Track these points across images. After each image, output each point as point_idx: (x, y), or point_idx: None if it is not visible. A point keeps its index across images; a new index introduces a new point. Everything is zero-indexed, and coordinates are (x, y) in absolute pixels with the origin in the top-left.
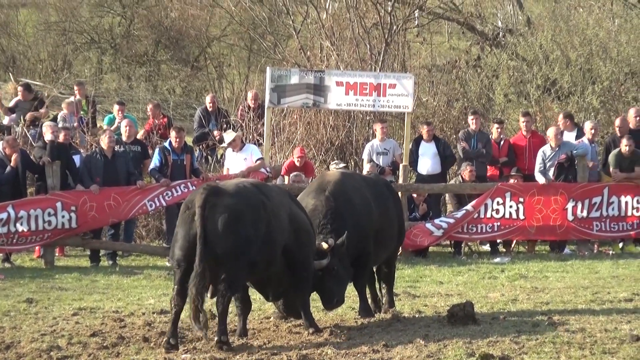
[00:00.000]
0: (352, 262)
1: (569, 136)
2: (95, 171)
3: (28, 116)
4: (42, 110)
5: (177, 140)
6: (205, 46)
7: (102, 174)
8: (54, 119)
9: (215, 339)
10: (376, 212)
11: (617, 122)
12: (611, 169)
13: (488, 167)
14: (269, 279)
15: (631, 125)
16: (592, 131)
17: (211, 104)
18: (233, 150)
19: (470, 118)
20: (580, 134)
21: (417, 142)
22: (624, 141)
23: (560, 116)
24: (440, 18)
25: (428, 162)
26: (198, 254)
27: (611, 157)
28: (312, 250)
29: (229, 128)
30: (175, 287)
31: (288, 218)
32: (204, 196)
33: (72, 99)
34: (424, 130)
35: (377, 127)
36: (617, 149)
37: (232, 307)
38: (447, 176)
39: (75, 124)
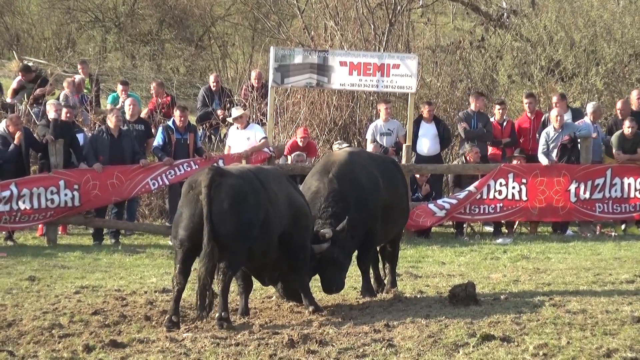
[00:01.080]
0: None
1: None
2: (102, 150)
3: (35, 93)
4: (47, 88)
5: (181, 119)
6: (209, 25)
7: (108, 152)
8: (58, 98)
9: (217, 315)
10: (385, 189)
11: (619, 104)
12: (614, 151)
13: (490, 147)
14: (265, 265)
15: (634, 107)
16: (593, 115)
17: (215, 84)
18: (238, 127)
19: (471, 98)
20: (576, 114)
21: (417, 122)
22: (627, 123)
23: (555, 97)
24: None
25: (427, 142)
26: (206, 234)
27: (614, 139)
28: (310, 233)
29: (233, 107)
30: (178, 265)
31: (286, 202)
32: (209, 176)
33: (75, 77)
34: (425, 109)
35: (382, 107)
36: (620, 131)
37: (234, 287)
38: (443, 157)
39: (76, 103)
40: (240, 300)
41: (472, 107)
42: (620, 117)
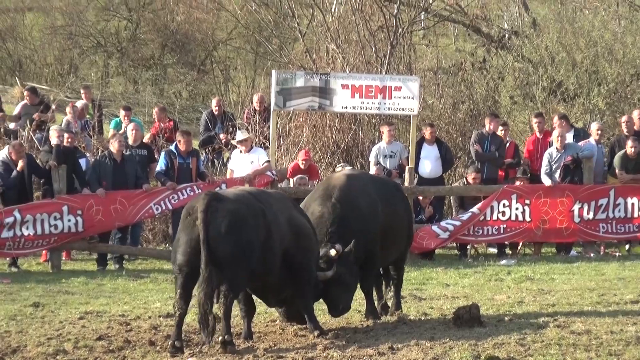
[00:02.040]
0: (360, 265)
1: (567, 137)
2: (105, 175)
3: (35, 118)
4: (49, 115)
5: (185, 143)
6: (211, 49)
7: (111, 178)
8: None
9: (220, 339)
10: (384, 213)
11: (624, 118)
12: (617, 171)
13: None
14: (269, 286)
15: (636, 127)
16: (599, 132)
17: (217, 107)
18: (241, 151)
19: (487, 120)
20: (580, 134)
21: (419, 144)
22: (629, 142)
23: (555, 118)
24: (445, 20)
25: (429, 164)
26: (203, 259)
27: (617, 159)
28: (314, 256)
29: (235, 130)
30: (178, 291)
31: (288, 223)
32: (206, 201)
33: (77, 103)
34: (427, 131)
35: (385, 129)
36: (623, 151)
37: (237, 311)
38: (445, 179)
39: (78, 129)
40: (244, 324)
41: (487, 128)
42: (625, 133)
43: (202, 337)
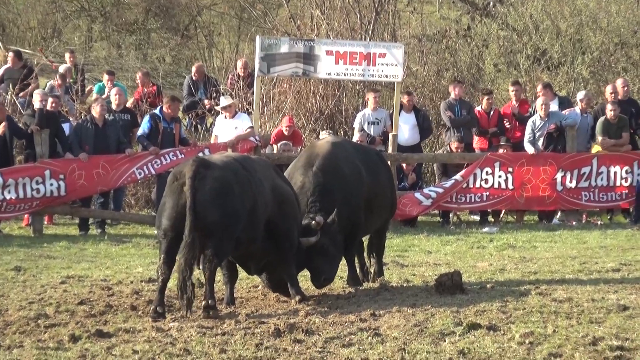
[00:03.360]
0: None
1: (551, 106)
2: (86, 139)
3: (19, 84)
4: (32, 86)
5: (172, 109)
6: (195, 15)
7: (92, 142)
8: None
9: (203, 303)
10: (368, 181)
11: (609, 88)
12: (599, 137)
13: (478, 138)
14: (251, 254)
15: (620, 96)
16: (584, 102)
17: (196, 74)
18: (225, 117)
19: (451, 87)
20: (564, 102)
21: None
22: (609, 106)
23: (539, 86)
24: None
25: (407, 132)
26: (188, 225)
27: (598, 125)
28: (296, 223)
29: (219, 96)
30: (162, 256)
31: (271, 191)
32: (194, 167)
33: (60, 67)
34: (404, 99)
35: (370, 96)
36: (604, 117)
37: (219, 276)
38: (429, 147)
39: (59, 93)
40: (226, 289)
41: (453, 95)
42: (611, 100)
43: (180, 304)
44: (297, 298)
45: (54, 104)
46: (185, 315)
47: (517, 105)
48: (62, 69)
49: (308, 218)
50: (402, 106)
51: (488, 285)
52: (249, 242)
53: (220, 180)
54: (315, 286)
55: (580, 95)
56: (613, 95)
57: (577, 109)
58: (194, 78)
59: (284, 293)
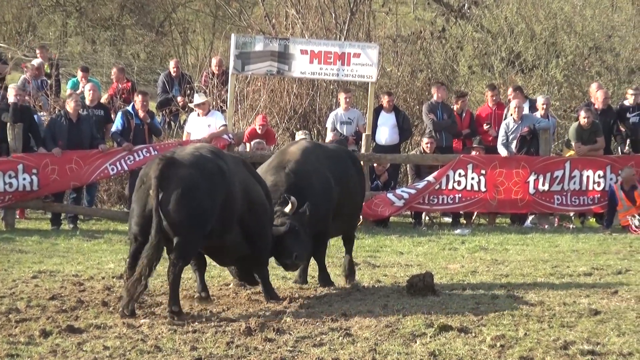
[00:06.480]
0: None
1: (524, 109)
2: (60, 135)
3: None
4: (7, 70)
5: (142, 104)
6: (170, 11)
7: (66, 137)
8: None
9: (167, 309)
10: (336, 190)
11: (600, 96)
12: (573, 143)
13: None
14: (224, 246)
15: (597, 105)
16: (544, 106)
17: (175, 69)
18: (199, 114)
19: (433, 89)
20: (534, 105)
21: (377, 111)
22: (582, 113)
23: (510, 89)
24: None
25: (386, 132)
26: (154, 226)
27: (571, 131)
28: (268, 221)
29: (193, 93)
30: (128, 260)
31: (242, 187)
32: (159, 167)
33: (33, 61)
34: (384, 99)
35: (342, 96)
36: (577, 123)
37: (190, 273)
38: (401, 149)
39: (34, 89)
40: (197, 277)
41: (435, 97)
42: (600, 107)
43: (122, 302)
44: (269, 298)
45: (18, 97)
46: (120, 309)
47: (494, 108)
48: (34, 63)
49: (282, 206)
50: (382, 106)
51: (460, 288)
52: (222, 233)
53: (185, 179)
54: (285, 266)
55: (540, 100)
56: (604, 102)
57: (538, 114)
58: (172, 74)
59: (252, 283)
